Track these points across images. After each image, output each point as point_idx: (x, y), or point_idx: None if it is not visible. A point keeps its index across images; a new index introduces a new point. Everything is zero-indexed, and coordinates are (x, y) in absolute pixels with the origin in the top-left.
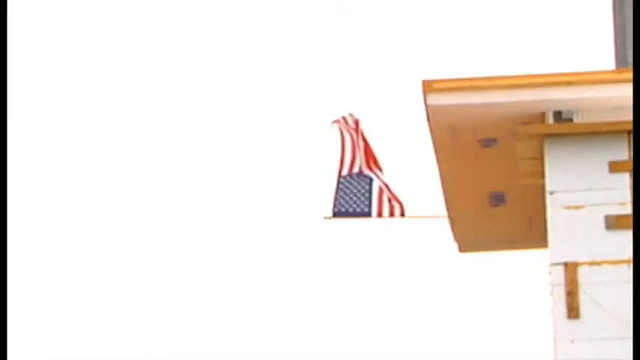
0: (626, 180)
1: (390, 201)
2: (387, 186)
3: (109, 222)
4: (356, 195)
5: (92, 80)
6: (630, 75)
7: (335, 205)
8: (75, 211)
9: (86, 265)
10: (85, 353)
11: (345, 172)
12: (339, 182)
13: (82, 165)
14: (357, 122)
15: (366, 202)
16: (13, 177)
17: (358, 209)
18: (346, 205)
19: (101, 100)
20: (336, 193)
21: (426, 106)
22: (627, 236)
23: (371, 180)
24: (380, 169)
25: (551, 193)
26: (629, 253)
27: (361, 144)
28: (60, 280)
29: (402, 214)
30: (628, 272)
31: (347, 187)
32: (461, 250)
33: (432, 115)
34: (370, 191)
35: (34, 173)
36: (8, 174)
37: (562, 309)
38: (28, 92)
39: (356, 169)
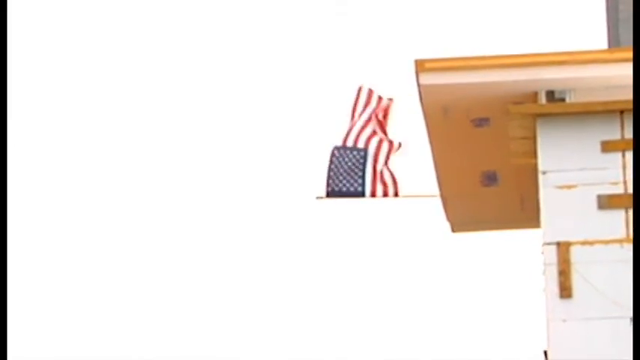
0: (618, 159)
1: (383, 180)
2: (385, 160)
3: (102, 211)
4: (349, 173)
5: (92, 80)
6: (623, 55)
7: (328, 184)
8: (74, 212)
9: (84, 265)
10: (84, 354)
11: (338, 143)
12: (332, 154)
13: (79, 165)
14: (379, 99)
15: (360, 181)
16: (13, 177)
17: (352, 188)
18: (339, 185)
19: (99, 100)
20: (329, 170)
21: (419, 85)
22: (620, 216)
23: (365, 154)
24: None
25: (544, 172)
26: (621, 233)
27: (367, 116)
28: (59, 281)
29: (396, 194)
30: (620, 251)
31: (339, 164)
32: (453, 230)
33: (425, 94)
34: (364, 170)
35: (34, 173)
36: (8, 174)
37: (554, 288)
38: (28, 92)
39: (350, 142)
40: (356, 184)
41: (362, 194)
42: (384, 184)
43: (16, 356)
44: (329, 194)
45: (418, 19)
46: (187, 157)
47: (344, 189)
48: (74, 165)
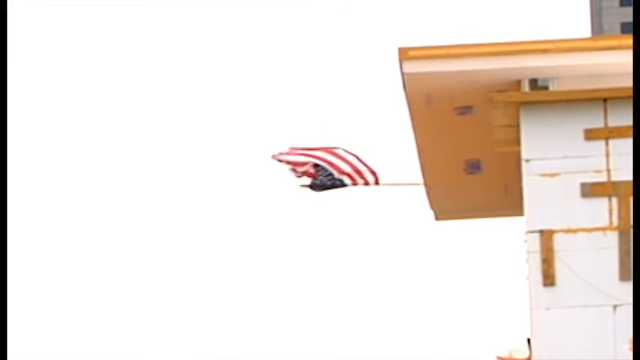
0: (602, 147)
1: (361, 172)
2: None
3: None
4: (327, 171)
5: (91, 82)
6: (606, 43)
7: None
8: (69, 215)
9: (79, 267)
10: (84, 355)
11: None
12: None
13: (74, 168)
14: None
15: (339, 177)
16: (13, 177)
17: (335, 182)
18: (321, 179)
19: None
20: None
21: (402, 73)
22: (603, 204)
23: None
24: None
25: (527, 160)
26: (604, 221)
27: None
28: (58, 282)
29: (377, 183)
30: (603, 239)
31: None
32: (437, 218)
33: (408, 82)
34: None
35: (36, 175)
36: (8, 174)
37: (538, 276)
38: (28, 93)
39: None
40: (334, 179)
41: (342, 184)
42: (362, 174)
43: (16, 357)
44: (312, 187)
45: (401, 7)
46: (182, 152)
47: (327, 182)
48: (71, 169)
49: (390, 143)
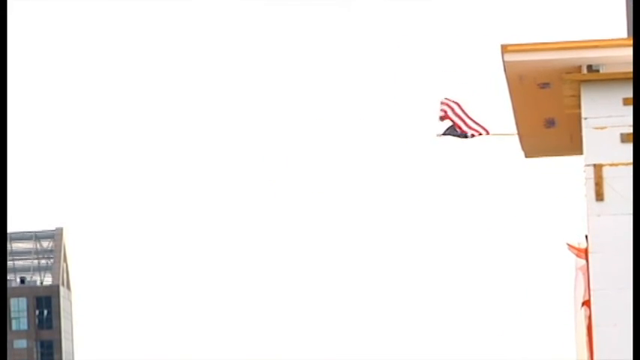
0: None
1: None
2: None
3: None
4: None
5: (90, 82)
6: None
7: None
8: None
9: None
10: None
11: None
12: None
13: (74, 168)
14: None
15: (466, 128)
16: (13, 177)
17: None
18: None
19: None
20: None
21: (504, 61)
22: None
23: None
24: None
25: (585, 118)
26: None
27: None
28: None
29: (487, 133)
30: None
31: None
32: (526, 155)
33: (508, 67)
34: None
35: (35, 174)
36: (9, 174)
37: (592, 194)
38: (29, 94)
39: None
40: (459, 131)
41: (465, 136)
42: (478, 127)
43: None
44: (445, 134)
45: (401, 6)
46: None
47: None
48: (68, 166)
49: (491, 105)
